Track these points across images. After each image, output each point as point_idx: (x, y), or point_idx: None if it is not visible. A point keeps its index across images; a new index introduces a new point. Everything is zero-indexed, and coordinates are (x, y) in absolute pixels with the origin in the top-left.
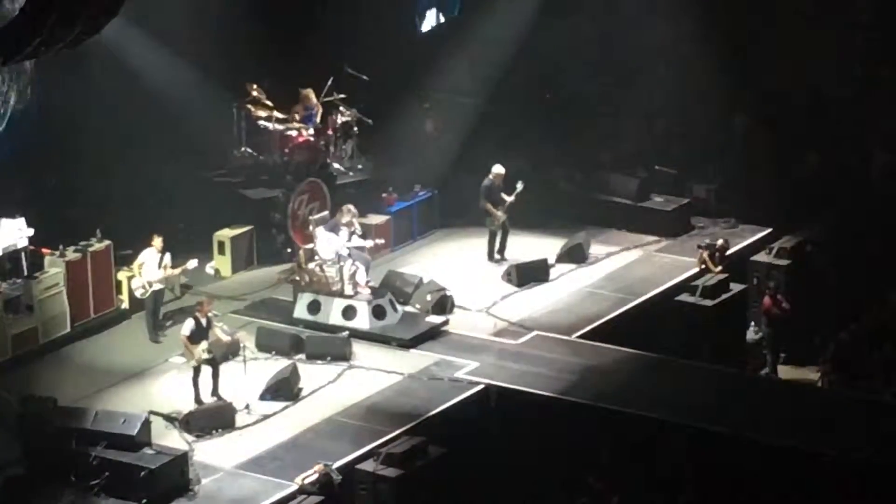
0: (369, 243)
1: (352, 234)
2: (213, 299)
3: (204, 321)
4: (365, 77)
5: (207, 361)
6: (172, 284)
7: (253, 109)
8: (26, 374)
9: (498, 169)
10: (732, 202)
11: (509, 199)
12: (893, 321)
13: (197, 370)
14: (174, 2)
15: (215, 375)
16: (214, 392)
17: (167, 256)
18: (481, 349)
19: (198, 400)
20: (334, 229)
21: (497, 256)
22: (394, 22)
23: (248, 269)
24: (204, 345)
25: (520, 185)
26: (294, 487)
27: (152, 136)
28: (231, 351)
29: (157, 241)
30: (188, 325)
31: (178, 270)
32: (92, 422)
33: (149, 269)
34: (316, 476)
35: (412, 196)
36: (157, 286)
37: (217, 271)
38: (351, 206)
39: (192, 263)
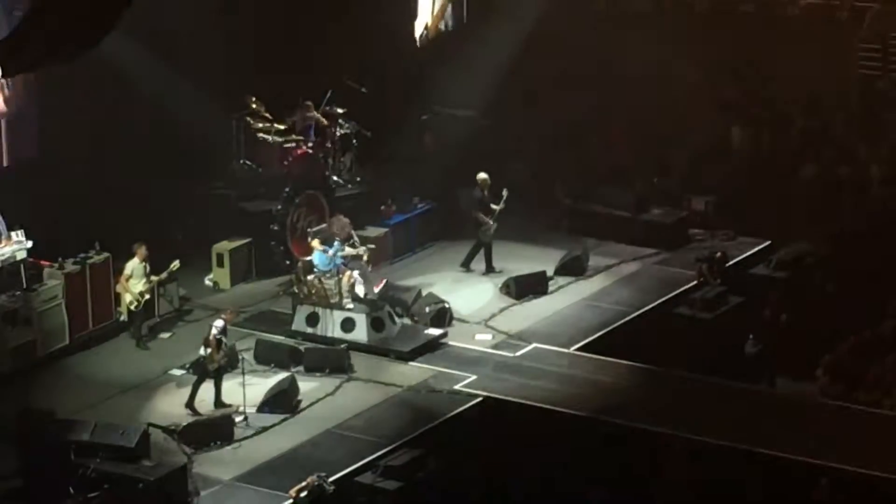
0: (361, 250)
1: (345, 243)
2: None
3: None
4: (363, 89)
5: (217, 370)
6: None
7: (252, 122)
8: (25, 387)
9: (481, 176)
10: (731, 214)
11: (497, 207)
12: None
13: (218, 372)
14: (173, 15)
15: (219, 384)
16: (218, 400)
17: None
18: (480, 361)
19: (190, 405)
20: (327, 241)
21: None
22: (393, 34)
23: (246, 281)
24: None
25: (505, 192)
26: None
27: (151, 149)
28: (230, 363)
29: (141, 250)
30: (220, 325)
31: (164, 275)
32: (91, 434)
33: (136, 280)
34: (308, 488)
35: (411, 208)
36: (147, 295)
37: (216, 283)
38: (342, 217)
39: (176, 264)
